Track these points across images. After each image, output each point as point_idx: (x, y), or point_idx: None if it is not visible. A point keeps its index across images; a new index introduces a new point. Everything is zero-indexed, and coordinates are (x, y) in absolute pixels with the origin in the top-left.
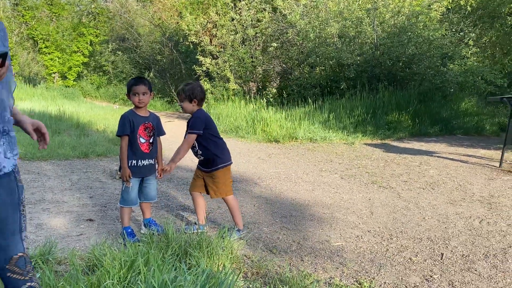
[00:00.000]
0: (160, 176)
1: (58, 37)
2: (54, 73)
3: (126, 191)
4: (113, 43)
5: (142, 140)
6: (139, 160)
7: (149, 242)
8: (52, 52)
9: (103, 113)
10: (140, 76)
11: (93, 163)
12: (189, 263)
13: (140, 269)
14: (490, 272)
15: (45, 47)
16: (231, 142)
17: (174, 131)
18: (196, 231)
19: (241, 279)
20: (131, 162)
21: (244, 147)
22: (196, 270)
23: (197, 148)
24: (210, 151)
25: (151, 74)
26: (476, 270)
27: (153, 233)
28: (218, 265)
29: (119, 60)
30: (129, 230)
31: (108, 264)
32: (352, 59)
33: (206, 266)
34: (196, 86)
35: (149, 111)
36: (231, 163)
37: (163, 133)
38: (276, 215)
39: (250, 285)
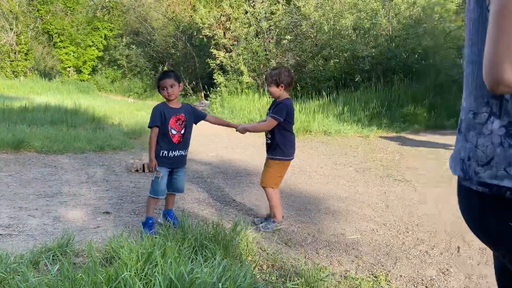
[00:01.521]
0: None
1: (73, 31)
2: (69, 67)
3: (156, 182)
4: (127, 37)
5: (174, 132)
6: (171, 151)
7: (166, 234)
8: (67, 46)
9: (118, 107)
10: (166, 70)
11: (109, 157)
12: (205, 256)
13: (157, 261)
14: None
15: (60, 42)
16: (245, 136)
17: None
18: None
19: (257, 271)
20: (163, 153)
21: (258, 140)
22: (212, 262)
23: (268, 131)
24: (276, 140)
25: (165, 68)
26: (493, 264)
27: (169, 226)
28: (234, 257)
29: (133, 54)
30: (151, 222)
31: (126, 256)
32: (367, 51)
33: (222, 258)
34: (283, 70)
35: (182, 102)
36: (290, 159)
37: (203, 115)
38: (291, 208)
39: (266, 278)
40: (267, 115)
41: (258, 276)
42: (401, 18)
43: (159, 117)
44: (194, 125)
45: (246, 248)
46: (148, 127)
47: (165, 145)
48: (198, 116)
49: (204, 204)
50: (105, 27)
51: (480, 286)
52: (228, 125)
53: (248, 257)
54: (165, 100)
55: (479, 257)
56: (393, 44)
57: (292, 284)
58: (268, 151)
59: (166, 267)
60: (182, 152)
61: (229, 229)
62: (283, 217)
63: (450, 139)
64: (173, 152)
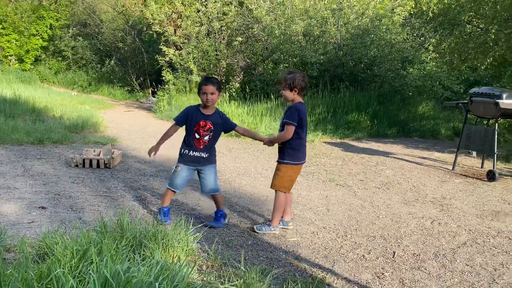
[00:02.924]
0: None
1: (17, 19)
2: (10, 55)
3: (173, 175)
4: (74, 28)
5: (197, 136)
6: (191, 151)
7: (103, 232)
8: (10, 34)
9: (61, 99)
10: (209, 76)
11: (48, 150)
12: (143, 254)
13: (92, 259)
14: (439, 271)
15: (2, 29)
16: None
17: (134, 120)
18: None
19: (196, 271)
20: (184, 150)
21: None
22: (150, 261)
23: None
24: (285, 144)
25: (112, 62)
26: (426, 269)
27: (105, 223)
28: (173, 257)
29: (80, 46)
30: (165, 209)
31: (60, 253)
32: (315, 58)
33: (161, 257)
34: (298, 75)
35: (216, 109)
36: (299, 163)
37: (232, 126)
38: (234, 209)
39: (205, 278)
40: (281, 120)
41: (196, 276)
42: (349, 27)
43: (184, 118)
44: (223, 133)
45: (186, 248)
46: (173, 119)
47: (187, 145)
48: (228, 127)
49: (145, 202)
50: (51, 17)
51: None
52: (257, 138)
53: (188, 257)
54: (201, 103)
55: (413, 262)
56: (341, 53)
57: (231, 285)
58: (278, 154)
59: (101, 265)
60: (203, 154)
61: (169, 228)
62: (280, 223)
63: (391, 147)
64: (194, 152)
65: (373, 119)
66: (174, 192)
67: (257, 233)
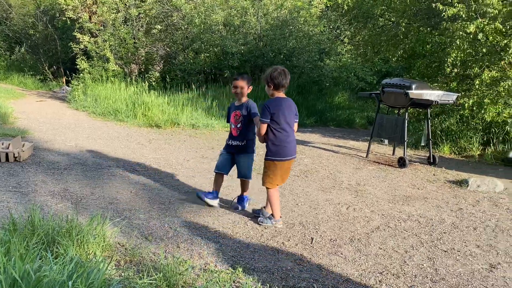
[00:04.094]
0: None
1: None
2: None
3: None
4: None
5: (232, 126)
6: (230, 140)
7: (11, 229)
8: None
9: None
10: (242, 72)
11: None
12: (56, 252)
13: None
14: (355, 255)
15: None
16: (108, 126)
17: (46, 111)
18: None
19: (113, 267)
20: (227, 140)
21: (123, 132)
22: (64, 259)
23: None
24: (267, 140)
25: (23, 49)
26: (342, 254)
27: (14, 220)
28: (89, 253)
29: None
30: (212, 194)
31: None
32: (236, 48)
33: (75, 254)
34: (273, 71)
35: (248, 100)
36: (281, 159)
37: (253, 115)
38: (154, 201)
39: (123, 274)
40: None
41: (114, 272)
42: (269, 18)
43: (227, 114)
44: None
45: (102, 244)
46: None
47: (229, 136)
48: (249, 115)
49: (59, 197)
50: None
51: (330, 275)
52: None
53: (105, 252)
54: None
55: (330, 248)
56: (261, 43)
57: (150, 279)
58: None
59: (9, 265)
60: (239, 143)
61: (85, 224)
62: (280, 217)
63: (309, 136)
64: (232, 141)
65: None
66: (220, 174)
67: (260, 224)
